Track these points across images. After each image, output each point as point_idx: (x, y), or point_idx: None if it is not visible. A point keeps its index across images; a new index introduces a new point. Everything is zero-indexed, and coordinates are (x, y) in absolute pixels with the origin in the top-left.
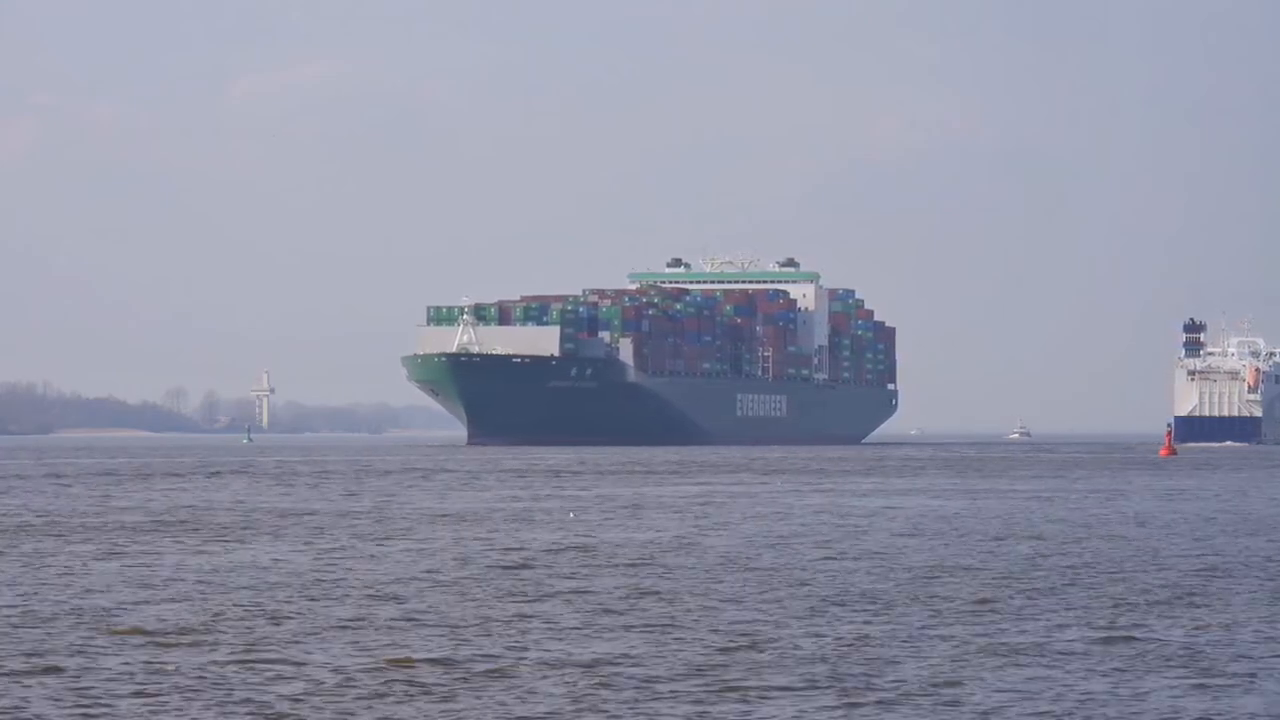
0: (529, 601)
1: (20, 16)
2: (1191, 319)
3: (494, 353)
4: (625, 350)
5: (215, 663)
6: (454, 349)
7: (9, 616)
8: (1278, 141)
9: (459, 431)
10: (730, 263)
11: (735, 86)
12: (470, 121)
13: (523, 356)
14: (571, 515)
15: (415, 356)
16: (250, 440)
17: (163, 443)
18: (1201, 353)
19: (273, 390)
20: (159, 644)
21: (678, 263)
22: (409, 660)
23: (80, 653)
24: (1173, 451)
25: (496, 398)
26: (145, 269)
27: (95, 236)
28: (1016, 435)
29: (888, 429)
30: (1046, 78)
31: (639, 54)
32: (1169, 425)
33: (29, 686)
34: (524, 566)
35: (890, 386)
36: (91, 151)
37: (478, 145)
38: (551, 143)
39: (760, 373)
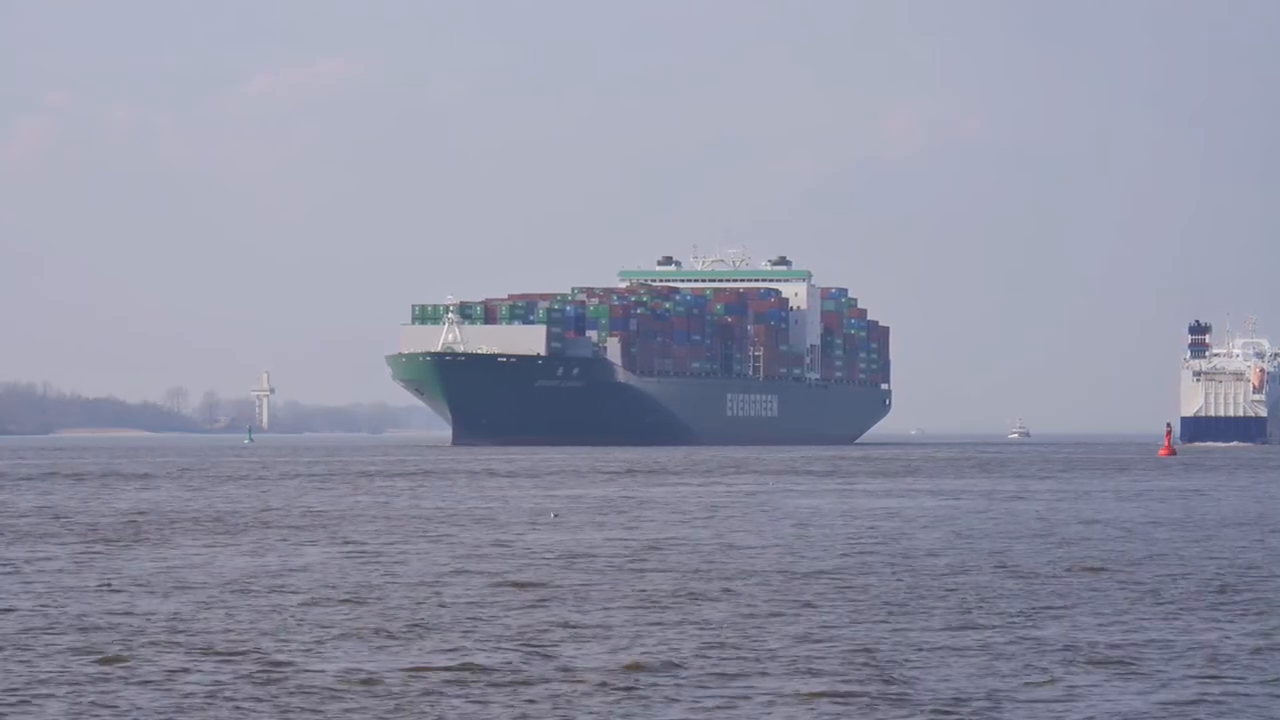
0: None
1: (35, 17)
2: (1197, 320)
3: (479, 352)
4: (613, 349)
5: None
6: (439, 348)
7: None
8: None
9: (446, 431)
10: (721, 261)
11: (733, 86)
12: (464, 120)
13: (508, 356)
14: (555, 516)
15: (400, 355)
16: (251, 440)
17: (167, 443)
18: (1207, 354)
19: (273, 390)
20: None
21: (669, 261)
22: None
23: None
24: (1172, 452)
25: (482, 397)
26: (146, 268)
27: (96, 236)
28: (1015, 435)
29: (881, 429)
30: (1048, 78)
31: (634, 53)
32: (1169, 426)
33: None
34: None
35: (884, 386)
36: (103, 152)
37: (472, 144)
38: (548, 141)
39: (751, 372)
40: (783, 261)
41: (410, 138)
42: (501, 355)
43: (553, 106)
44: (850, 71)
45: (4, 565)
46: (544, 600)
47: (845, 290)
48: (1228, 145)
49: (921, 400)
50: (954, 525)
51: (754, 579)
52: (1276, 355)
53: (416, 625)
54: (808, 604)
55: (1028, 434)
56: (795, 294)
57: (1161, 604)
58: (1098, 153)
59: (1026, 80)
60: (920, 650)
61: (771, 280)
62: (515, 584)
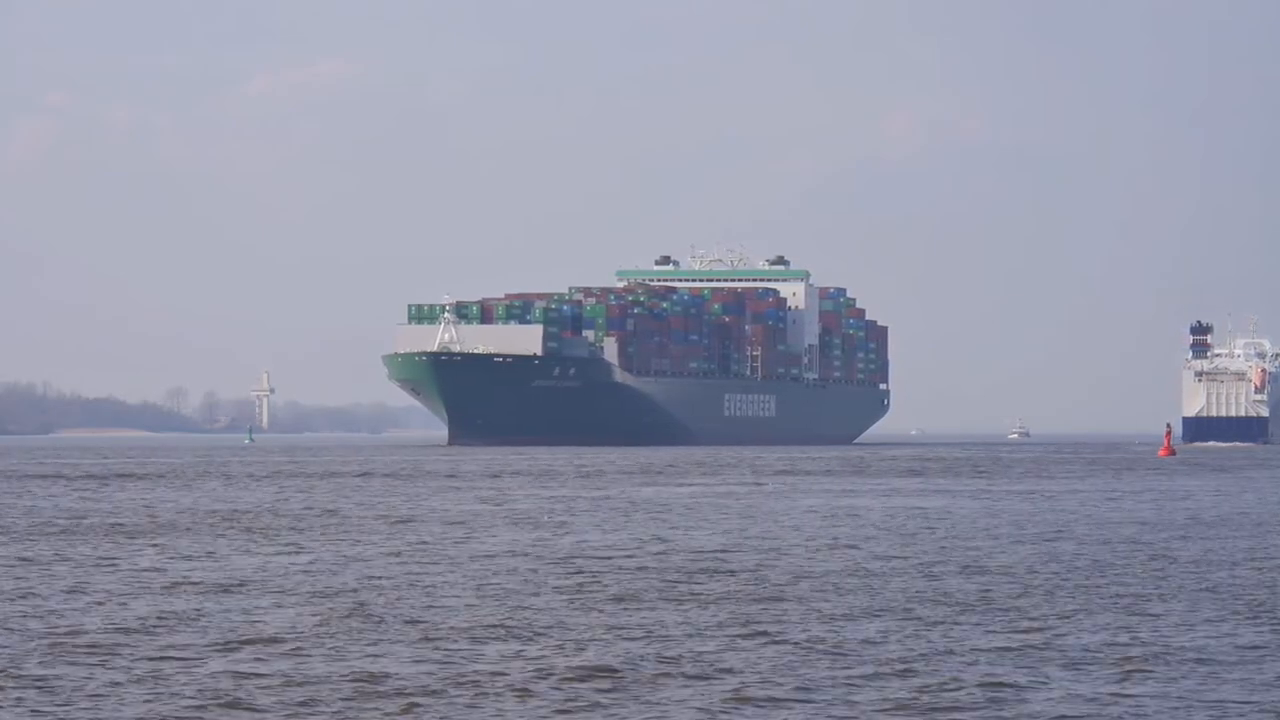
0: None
1: (35, 17)
2: (1198, 320)
3: (475, 352)
4: (610, 349)
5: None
6: (435, 348)
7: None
8: None
9: (444, 432)
10: (719, 261)
11: (733, 86)
12: (464, 120)
13: (505, 355)
14: (547, 517)
15: (396, 355)
16: (252, 440)
17: (167, 443)
18: (1208, 354)
19: (273, 390)
20: None
21: (666, 260)
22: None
23: None
24: (1171, 452)
25: (479, 397)
26: (146, 269)
27: (96, 236)
28: (1015, 435)
29: (880, 429)
30: (1048, 78)
31: (634, 53)
32: (1168, 426)
33: None
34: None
35: (882, 386)
36: (103, 152)
37: (471, 144)
38: (548, 141)
39: (749, 372)
40: (781, 261)
41: (410, 138)
42: (498, 355)
43: (553, 106)
44: (850, 71)
45: (42, 563)
46: (583, 605)
47: (844, 290)
48: (1228, 145)
49: (921, 400)
50: (973, 525)
51: (795, 580)
52: (1278, 355)
53: (450, 628)
54: (859, 606)
55: (1027, 434)
56: (793, 294)
57: (1215, 605)
58: (1098, 153)
59: (1026, 80)
60: (975, 652)
61: (769, 280)
62: (555, 589)
